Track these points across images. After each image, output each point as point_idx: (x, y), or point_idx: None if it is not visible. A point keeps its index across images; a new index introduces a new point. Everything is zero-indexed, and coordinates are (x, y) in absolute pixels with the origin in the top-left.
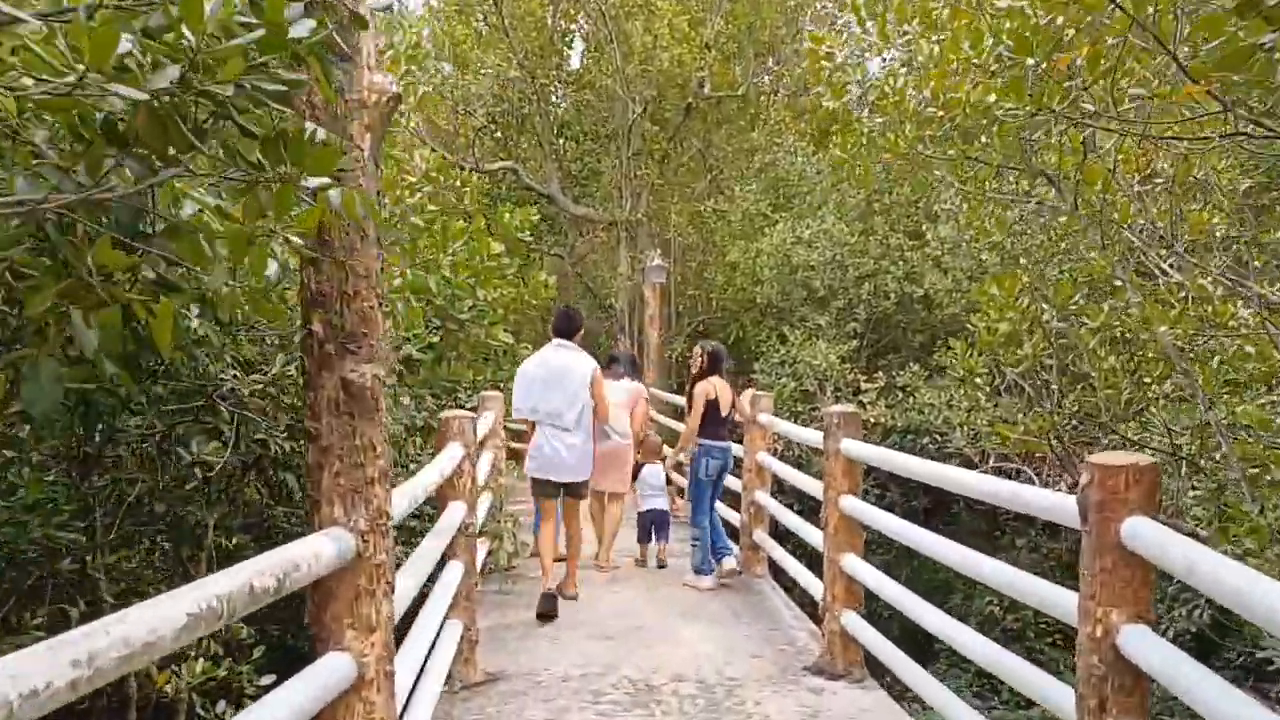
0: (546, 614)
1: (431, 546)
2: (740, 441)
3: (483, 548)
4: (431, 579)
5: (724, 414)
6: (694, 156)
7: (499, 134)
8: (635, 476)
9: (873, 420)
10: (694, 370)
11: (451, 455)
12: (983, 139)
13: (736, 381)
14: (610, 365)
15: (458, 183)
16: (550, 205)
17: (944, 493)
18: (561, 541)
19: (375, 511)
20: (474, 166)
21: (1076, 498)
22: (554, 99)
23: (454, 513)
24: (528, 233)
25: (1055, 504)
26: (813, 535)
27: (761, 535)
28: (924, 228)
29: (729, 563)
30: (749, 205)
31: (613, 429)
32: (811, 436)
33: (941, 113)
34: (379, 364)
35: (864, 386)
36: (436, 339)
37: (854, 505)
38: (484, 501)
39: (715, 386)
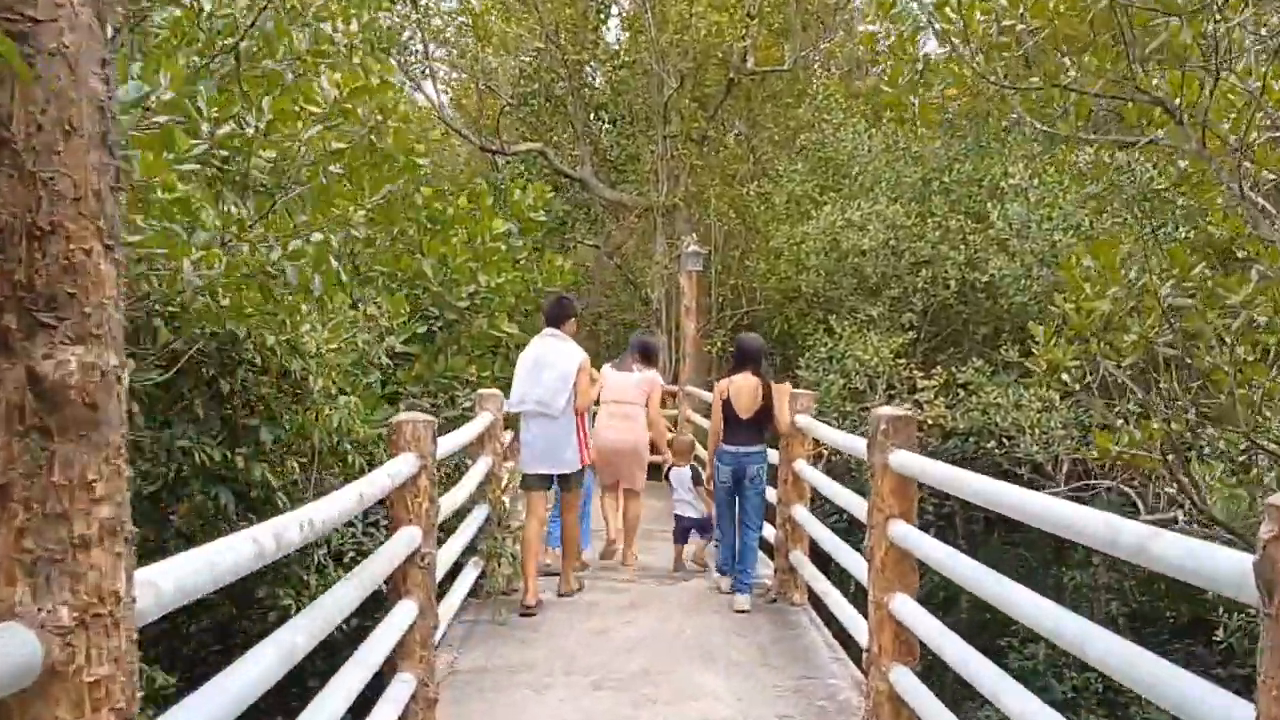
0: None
1: (345, 594)
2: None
3: (473, 571)
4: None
5: (743, 416)
6: (736, 137)
7: (528, 114)
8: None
9: (930, 421)
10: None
11: (394, 470)
12: (1070, 73)
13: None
14: (621, 357)
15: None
16: (583, 191)
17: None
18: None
19: (91, 593)
20: (499, 149)
21: (1254, 562)
22: (589, 78)
23: (402, 540)
24: (542, 212)
25: (1213, 566)
26: (855, 564)
27: (799, 558)
28: (988, 207)
29: (741, 600)
30: (794, 186)
31: (612, 420)
32: (854, 445)
33: (1020, 25)
34: (105, 348)
35: (920, 384)
36: (433, 330)
37: (906, 534)
38: (477, 515)
39: (732, 385)
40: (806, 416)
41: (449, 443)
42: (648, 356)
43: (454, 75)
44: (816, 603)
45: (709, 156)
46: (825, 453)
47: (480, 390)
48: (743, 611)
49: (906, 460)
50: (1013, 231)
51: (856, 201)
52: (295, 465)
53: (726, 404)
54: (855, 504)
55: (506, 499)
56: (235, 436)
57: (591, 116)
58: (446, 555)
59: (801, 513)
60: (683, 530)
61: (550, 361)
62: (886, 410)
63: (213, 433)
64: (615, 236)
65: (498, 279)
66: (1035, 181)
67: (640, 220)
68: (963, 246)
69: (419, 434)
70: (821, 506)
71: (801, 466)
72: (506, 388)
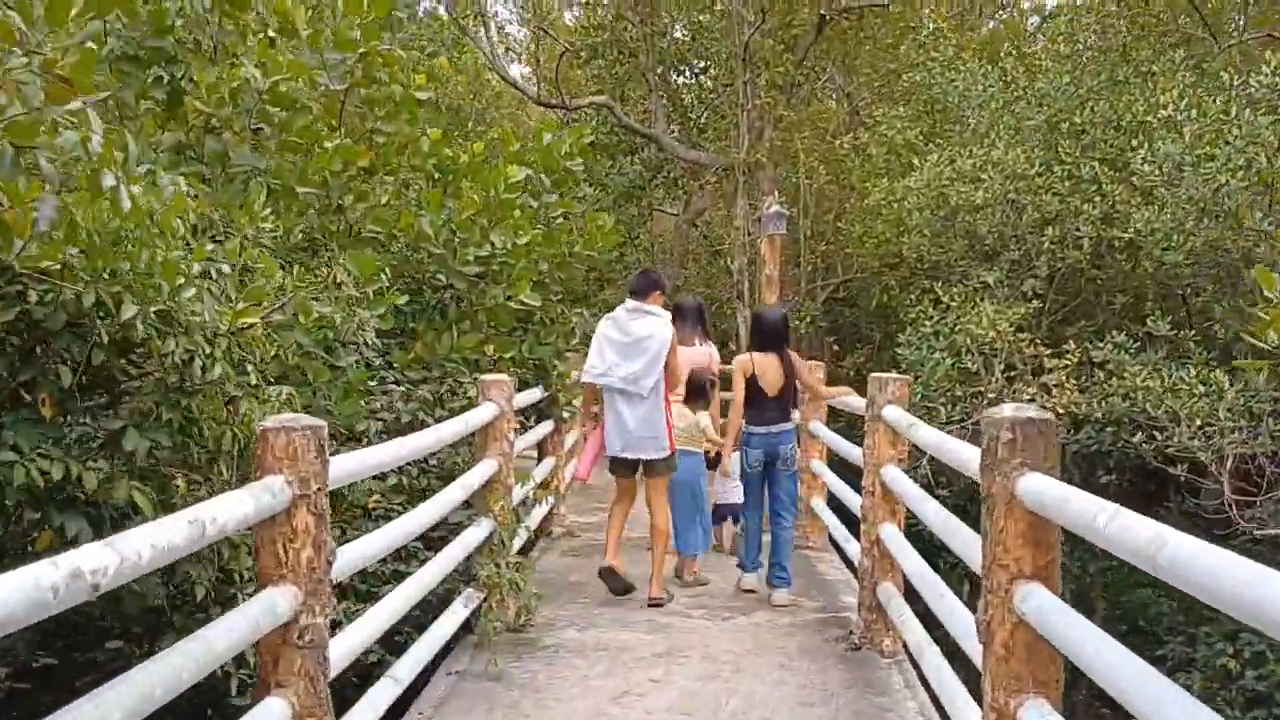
0: (614, 590)
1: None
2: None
3: (463, 608)
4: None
5: (770, 393)
6: (828, 84)
7: (598, 68)
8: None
9: (1061, 409)
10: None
11: (256, 502)
12: None
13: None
14: (677, 326)
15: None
16: (659, 152)
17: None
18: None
19: None
20: (559, 103)
21: None
22: (663, 25)
23: (263, 606)
24: (580, 161)
25: None
26: (962, 624)
27: (889, 592)
28: (1129, 151)
29: (780, 596)
30: (895, 134)
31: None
32: (961, 456)
33: None
34: None
35: (1048, 364)
36: (443, 303)
37: (1045, 608)
38: (473, 534)
39: (755, 361)
40: (898, 409)
41: (381, 456)
42: (704, 322)
43: (512, 24)
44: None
45: (797, 107)
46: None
47: (483, 375)
48: (782, 606)
49: (1046, 492)
50: (1162, 176)
51: (968, 149)
52: (182, 482)
53: (752, 381)
54: (963, 544)
55: (531, 511)
56: (93, 444)
57: (668, 68)
58: (416, 588)
59: (893, 535)
60: (725, 515)
61: (638, 335)
62: (1010, 410)
63: (61, 440)
64: (696, 202)
65: (515, 239)
66: (1193, 113)
67: (721, 182)
68: (1098, 199)
69: (296, 448)
70: (914, 527)
71: (894, 476)
72: (537, 371)
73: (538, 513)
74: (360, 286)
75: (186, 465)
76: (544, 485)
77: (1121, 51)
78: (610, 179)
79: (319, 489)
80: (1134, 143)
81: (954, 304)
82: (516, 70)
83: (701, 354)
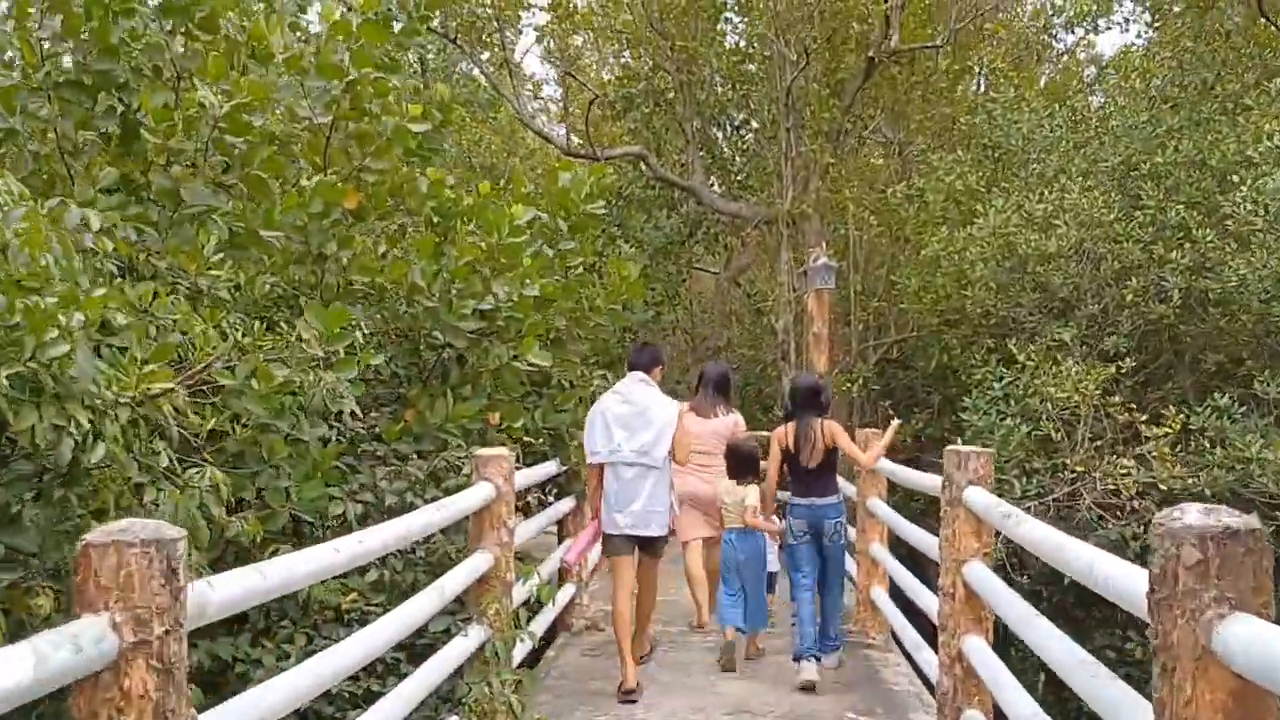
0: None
1: None
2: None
3: None
4: None
5: (810, 465)
6: (876, 133)
7: (633, 120)
8: None
9: (1163, 484)
10: None
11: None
12: None
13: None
14: (698, 394)
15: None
16: (698, 206)
17: None
18: None
19: None
20: (589, 154)
21: None
22: (701, 75)
23: None
24: (602, 203)
25: None
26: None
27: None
28: (1221, 192)
29: (828, 660)
30: (954, 179)
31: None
32: (1119, 579)
33: None
34: None
35: (1145, 431)
36: (445, 364)
37: None
38: (460, 645)
39: (791, 432)
40: (984, 492)
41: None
42: (726, 391)
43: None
44: None
45: (845, 155)
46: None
47: (480, 449)
48: (830, 668)
49: (1261, 644)
50: (1266, 218)
51: (1038, 192)
52: (46, 601)
53: (788, 454)
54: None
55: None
56: None
57: (706, 121)
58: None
59: (981, 652)
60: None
61: (643, 407)
62: (1198, 516)
63: None
64: (738, 258)
65: (522, 290)
66: None
67: (764, 237)
68: (1186, 245)
69: (131, 574)
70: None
71: (980, 575)
72: (554, 441)
73: (560, 599)
74: (326, 345)
75: (57, 577)
76: (561, 575)
77: (1203, 88)
78: (645, 234)
79: (167, 631)
80: (1227, 183)
81: (1030, 363)
82: (554, 129)
83: (724, 424)
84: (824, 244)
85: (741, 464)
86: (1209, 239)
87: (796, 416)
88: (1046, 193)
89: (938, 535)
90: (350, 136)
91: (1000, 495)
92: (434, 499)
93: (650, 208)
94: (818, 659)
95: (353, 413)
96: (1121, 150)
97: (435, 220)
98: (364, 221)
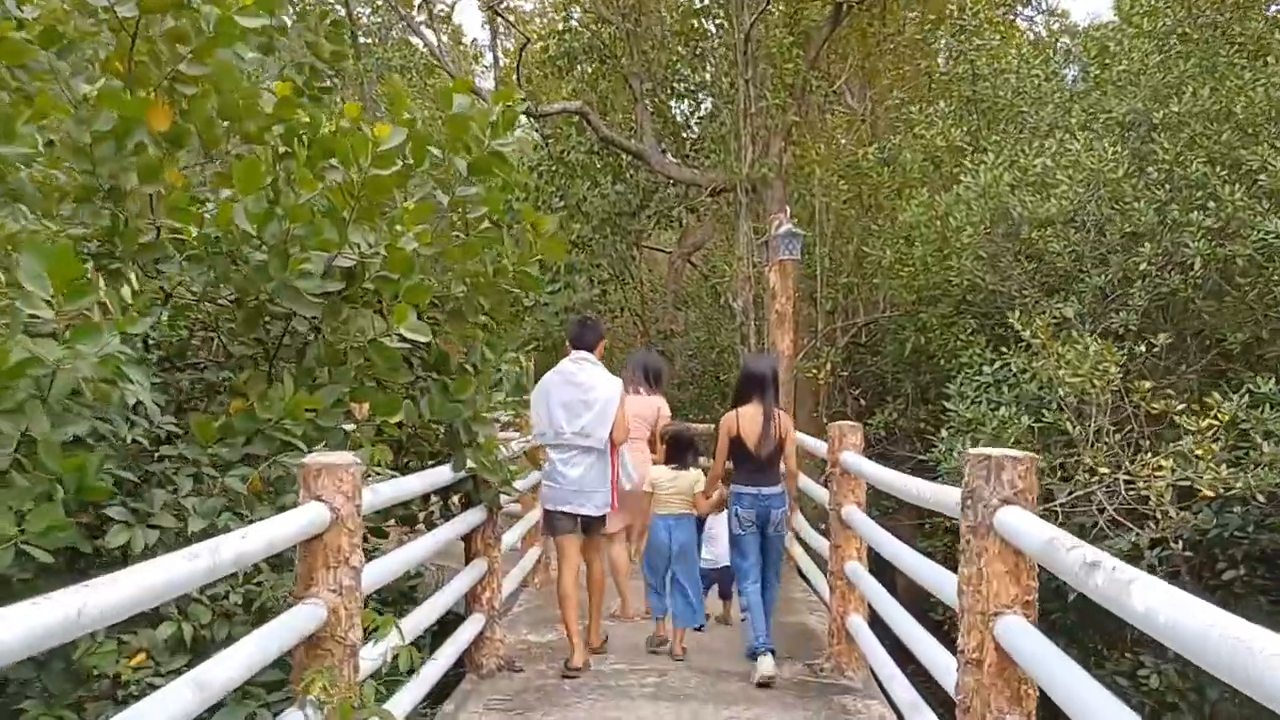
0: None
1: None
2: None
3: None
4: None
5: (758, 453)
6: (847, 88)
7: (569, 71)
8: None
9: (1209, 489)
10: None
11: None
12: None
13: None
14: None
15: None
16: (649, 174)
17: None
18: None
19: None
20: (525, 109)
21: None
22: (654, 29)
23: None
24: (512, 141)
25: None
26: None
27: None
28: (1245, 145)
29: (765, 665)
30: (934, 134)
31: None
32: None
33: None
34: None
35: (1186, 424)
36: (294, 335)
37: None
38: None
39: (742, 417)
40: (1037, 520)
41: None
42: (652, 379)
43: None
44: None
45: (809, 114)
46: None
47: (316, 454)
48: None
49: None
50: None
51: (1036, 144)
52: None
53: (737, 440)
54: None
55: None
56: None
57: (658, 79)
58: None
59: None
60: (727, 584)
61: (587, 386)
62: None
63: None
64: (693, 234)
65: (395, 239)
66: None
67: (720, 207)
68: (1211, 205)
69: None
70: None
71: (1018, 636)
72: (448, 439)
73: (462, 637)
74: (61, 305)
75: None
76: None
77: (1213, 31)
78: (590, 204)
79: None
80: (1251, 136)
81: (1036, 341)
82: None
83: (647, 404)
84: (788, 210)
85: (678, 447)
86: (1236, 197)
87: (749, 402)
88: (1046, 145)
89: (924, 552)
90: (164, 38)
91: None
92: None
93: (594, 175)
94: (773, 651)
95: (138, 406)
96: (1129, 98)
97: (283, 152)
98: (182, 149)
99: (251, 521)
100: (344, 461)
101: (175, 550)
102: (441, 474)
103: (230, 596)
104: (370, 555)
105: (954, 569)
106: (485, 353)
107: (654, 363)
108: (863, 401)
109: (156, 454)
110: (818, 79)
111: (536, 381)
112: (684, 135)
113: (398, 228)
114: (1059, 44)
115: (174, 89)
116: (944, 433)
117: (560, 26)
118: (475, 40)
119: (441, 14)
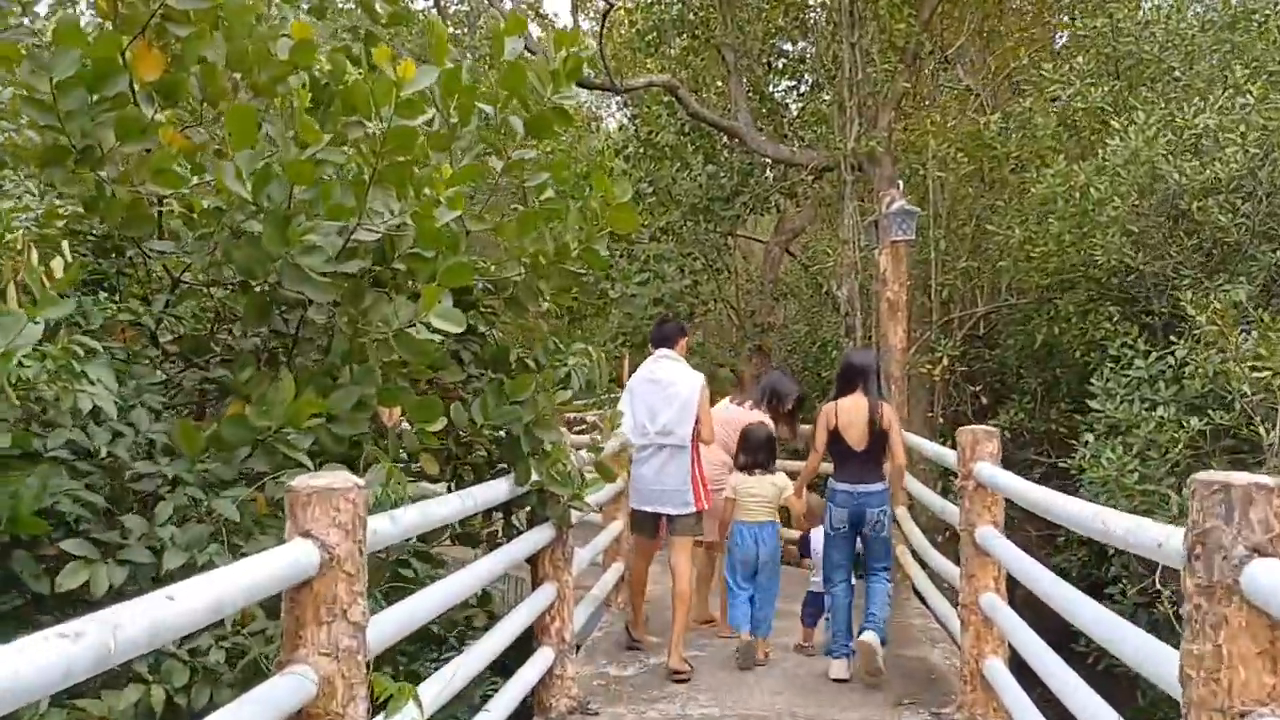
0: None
1: None
2: None
3: None
4: None
5: (857, 447)
6: (967, 45)
7: (658, 47)
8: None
9: None
10: None
11: None
12: None
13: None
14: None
15: None
16: (744, 154)
17: None
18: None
19: None
20: (608, 85)
21: None
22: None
23: None
24: (573, 94)
25: None
26: None
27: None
28: None
29: (868, 637)
30: (1073, 94)
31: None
32: None
33: None
34: None
35: None
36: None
37: None
38: None
39: (840, 410)
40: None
41: None
42: (775, 401)
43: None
44: None
45: (922, 83)
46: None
47: (306, 477)
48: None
49: None
50: None
51: (1195, 101)
52: None
53: (835, 434)
54: None
55: None
56: None
57: (754, 55)
58: None
59: None
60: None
61: (668, 383)
62: None
63: None
64: (792, 219)
65: (427, 207)
66: None
67: (821, 190)
68: None
69: None
70: None
71: None
72: (508, 447)
73: (526, 675)
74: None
75: None
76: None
77: None
78: (679, 187)
79: None
80: None
81: (1213, 326)
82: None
83: (747, 417)
84: (900, 185)
85: (752, 448)
86: None
87: (850, 394)
88: (1206, 100)
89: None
90: None
91: (1149, 514)
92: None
93: (684, 156)
94: (849, 656)
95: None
96: None
97: (308, 108)
98: (178, 104)
99: (245, 554)
100: (341, 485)
101: (153, 590)
102: (494, 490)
103: (211, 653)
104: (429, 578)
105: (1092, 590)
106: (552, 345)
107: (784, 387)
108: (983, 399)
109: (130, 472)
110: (931, 42)
111: (629, 378)
112: (782, 116)
113: (426, 192)
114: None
115: (164, 30)
116: (1088, 437)
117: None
118: (557, 16)
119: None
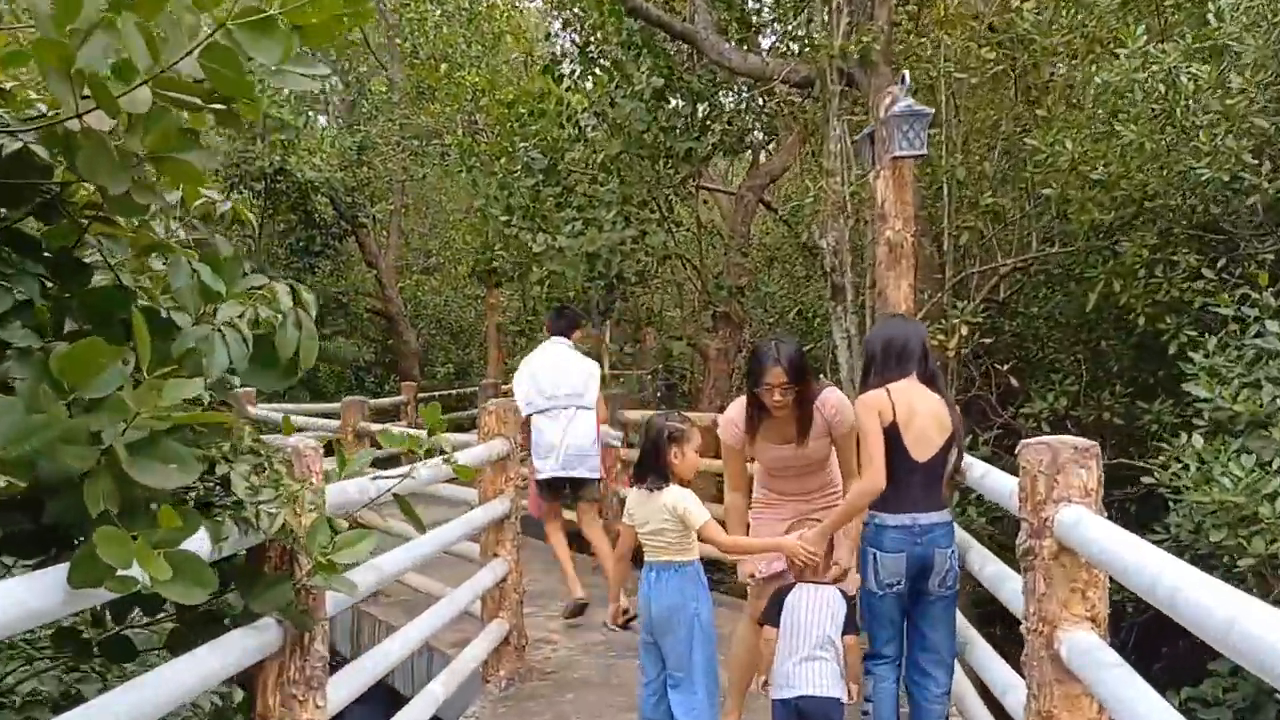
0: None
1: None
2: None
3: None
4: None
5: (922, 457)
6: None
7: None
8: None
9: None
10: None
11: None
12: None
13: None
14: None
15: None
16: (708, 68)
17: None
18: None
19: None
20: None
21: None
22: None
23: None
24: None
25: None
26: None
27: None
28: None
29: None
30: None
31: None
32: None
33: None
34: None
35: None
36: None
37: None
38: None
39: (897, 400)
40: None
41: None
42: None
43: None
44: None
45: None
46: None
47: None
48: None
49: None
50: None
51: None
52: None
53: (891, 432)
54: None
55: None
56: None
57: None
58: None
59: None
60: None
61: (571, 364)
62: None
63: None
64: (767, 161)
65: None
66: None
67: (800, 117)
68: None
69: None
70: None
71: None
72: None
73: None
74: None
75: None
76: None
77: None
78: (620, 110)
79: None
80: None
81: None
82: None
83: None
84: (905, 76)
85: (649, 456)
86: None
87: (899, 378)
88: None
89: None
90: None
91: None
92: None
93: (626, 70)
94: None
95: None
96: None
97: None
98: None
99: None
100: None
101: None
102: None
103: None
104: None
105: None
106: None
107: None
108: (1013, 381)
109: None
110: None
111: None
112: (751, 20)
113: None
114: None
115: None
116: (1189, 436)
117: None
118: None
119: None
